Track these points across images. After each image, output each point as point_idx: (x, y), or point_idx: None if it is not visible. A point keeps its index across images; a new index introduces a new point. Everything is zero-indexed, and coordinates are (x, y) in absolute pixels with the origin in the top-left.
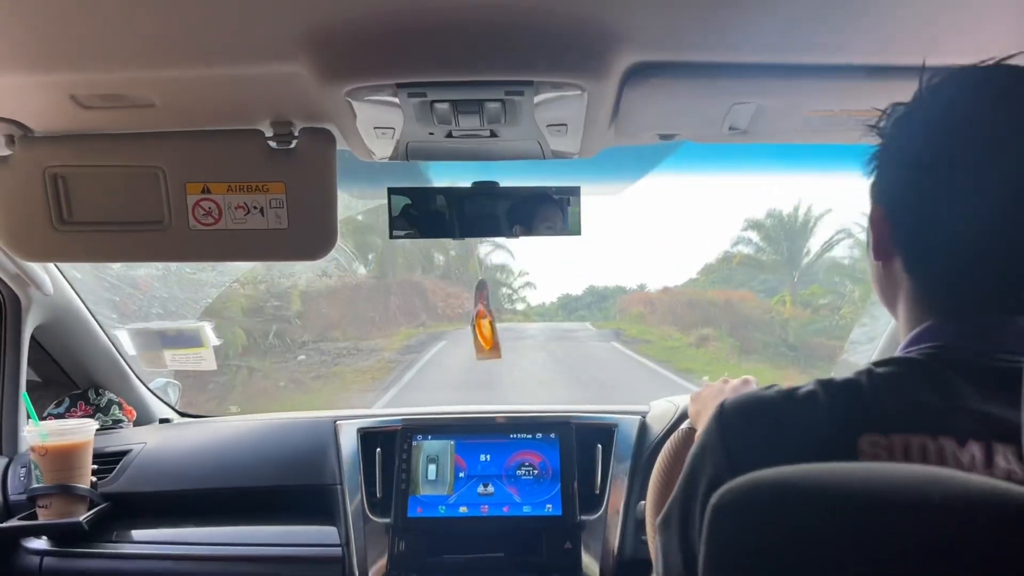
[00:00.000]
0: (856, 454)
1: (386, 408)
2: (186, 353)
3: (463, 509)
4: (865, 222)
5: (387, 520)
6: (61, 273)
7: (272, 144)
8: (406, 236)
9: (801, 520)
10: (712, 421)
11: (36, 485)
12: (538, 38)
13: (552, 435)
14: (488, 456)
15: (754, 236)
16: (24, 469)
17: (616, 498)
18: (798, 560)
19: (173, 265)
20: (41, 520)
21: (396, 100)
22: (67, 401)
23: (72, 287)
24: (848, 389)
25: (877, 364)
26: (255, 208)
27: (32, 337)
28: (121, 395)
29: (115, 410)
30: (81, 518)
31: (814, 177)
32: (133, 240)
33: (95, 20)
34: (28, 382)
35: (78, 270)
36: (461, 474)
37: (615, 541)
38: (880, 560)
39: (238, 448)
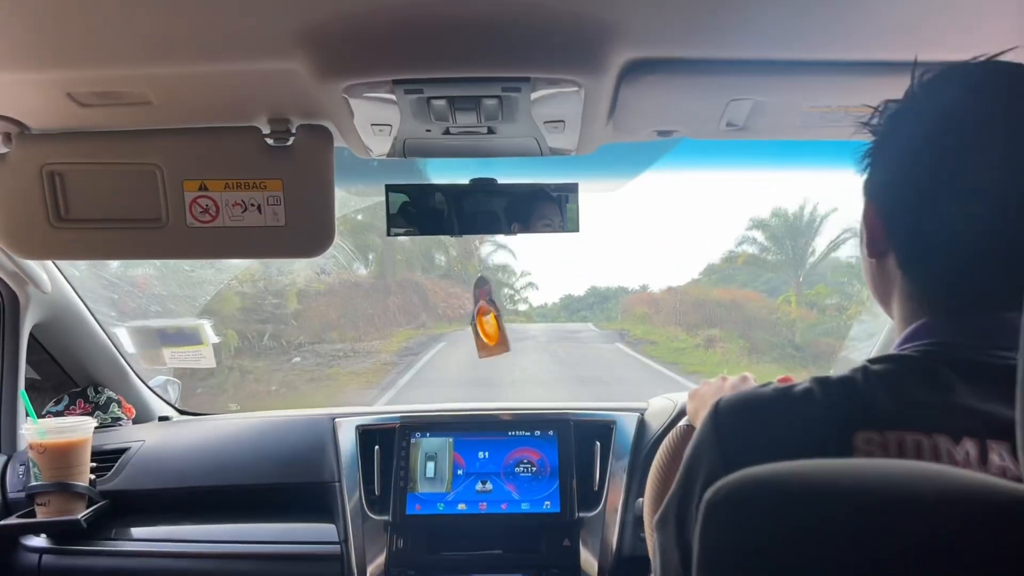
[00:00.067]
0: (851, 451)
1: (385, 406)
2: (185, 351)
3: (461, 506)
4: None
5: (385, 517)
6: (60, 271)
7: (269, 141)
8: (404, 233)
9: (794, 517)
10: (708, 419)
11: (34, 483)
12: (535, 35)
13: (550, 432)
14: (486, 453)
15: (759, 235)
16: (23, 467)
17: (614, 495)
18: (791, 557)
19: (171, 262)
20: (39, 518)
21: (393, 97)
22: (66, 399)
23: (71, 285)
24: (844, 386)
25: (873, 361)
26: (252, 205)
27: (31, 335)
28: (120, 393)
29: (114, 408)
30: (79, 516)
31: (813, 174)
32: (130, 237)
33: (91, 17)
34: (28, 380)
35: (76, 268)
36: (459, 471)
37: (613, 538)
38: (873, 557)
39: (237, 446)
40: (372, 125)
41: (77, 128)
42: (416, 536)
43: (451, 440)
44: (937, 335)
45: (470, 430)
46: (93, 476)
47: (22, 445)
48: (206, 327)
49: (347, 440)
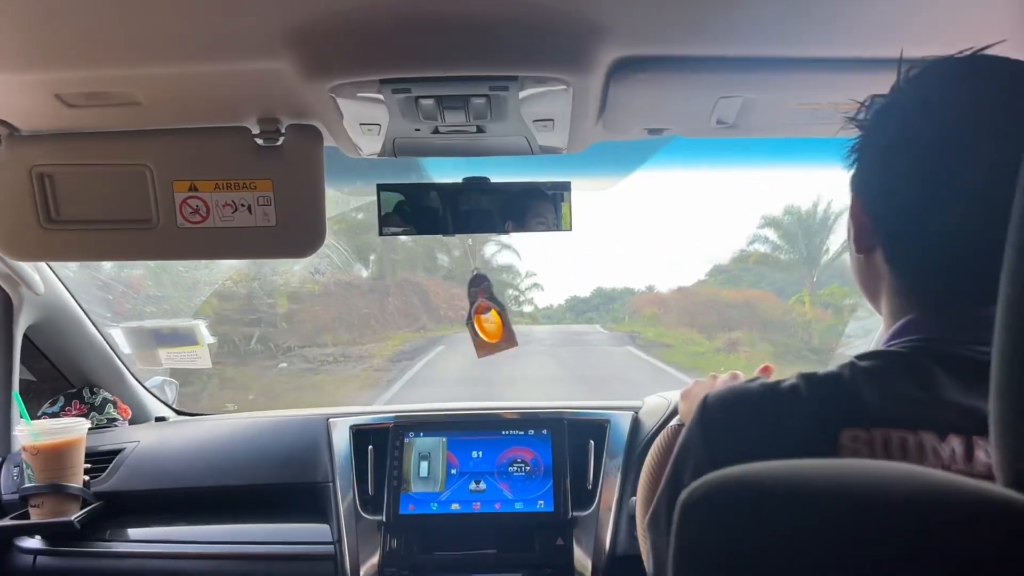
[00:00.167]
0: (837, 448)
1: (379, 405)
2: (181, 351)
3: (455, 506)
4: None
5: (379, 517)
6: (53, 272)
7: (259, 141)
8: (396, 233)
9: (768, 518)
10: (696, 414)
11: (28, 484)
12: (521, 33)
13: (544, 431)
14: (480, 453)
15: (771, 234)
16: (17, 468)
17: (608, 494)
18: (766, 558)
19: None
20: (33, 519)
21: (380, 96)
22: (61, 400)
23: (65, 286)
24: (830, 383)
25: (860, 357)
26: (243, 206)
27: (26, 336)
28: (116, 394)
29: (110, 409)
30: (73, 517)
31: (807, 171)
32: (121, 238)
33: (78, 18)
34: (24, 381)
35: (69, 269)
36: (453, 471)
37: (607, 537)
38: (847, 558)
39: (231, 446)
40: (361, 124)
41: (66, 129)
42: (410, 536)
43: (445, 440)
44: (924, 331)
45: (464, 429)
46: (87, 477)
47: (16, 447)
48: (201, 327)
49: (341, 440)
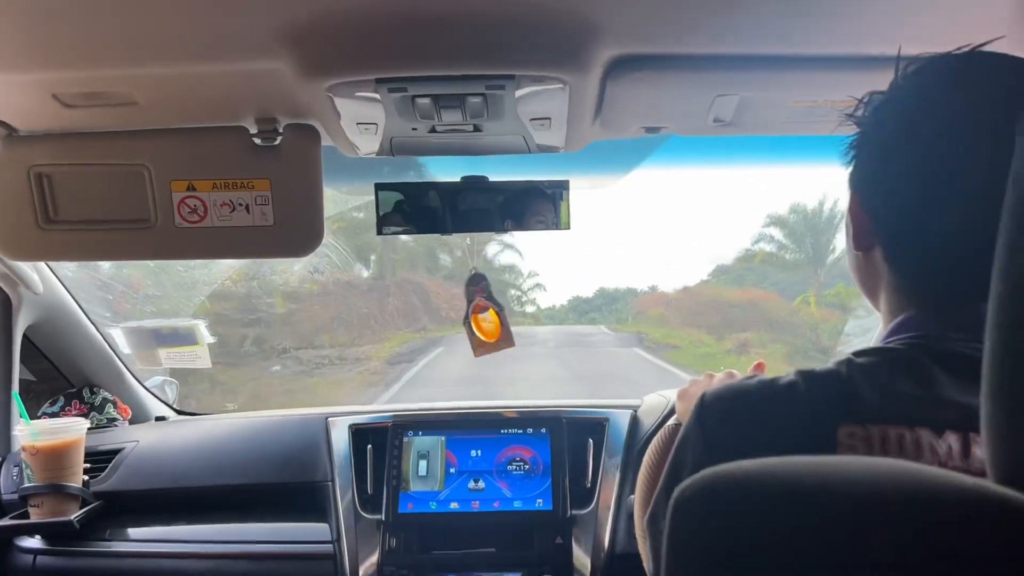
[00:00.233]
0: (834, 445)
1: (378, 404)
2: (181, 351)
3: (454, 505)
4: None
5: (378, 516)
6: (53, 272)
7: (257, 141)
8: (396, 232)
9: (758, 516)
10: (694, 412)
11: (27, 484)
12: (517, 32)
13: (543, 430)
14: (479, 452)
15: (776, 233)
16: (17, 468)
17: (607, 492)
18: (756, 555)
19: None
20: (33, 519)
21: (377, 96)
22: (61, 400)
23: (64, 286)
24: (828, 379)
25: (858, 354)
26: (240, 205)
27: (25, 336)
28: (116, 394)
29: (110, 408)
30: (72, 517)
31: (804, 169)
32: (119, 238)
33: (74, 18)
34: (24, 381)
35: (68, 269)
36: (452, 470)
37: (606, 535)
38: (836, 555)
39: (230, 445)
40: (358, 124)
41: (64, 129)
42: (409, 535)
43: (443, 439)
44: (922, 328)
45: (462, 428)
46: (87, 477)
47: (16, 447)
48: (201, 327)
49: (340, 439)
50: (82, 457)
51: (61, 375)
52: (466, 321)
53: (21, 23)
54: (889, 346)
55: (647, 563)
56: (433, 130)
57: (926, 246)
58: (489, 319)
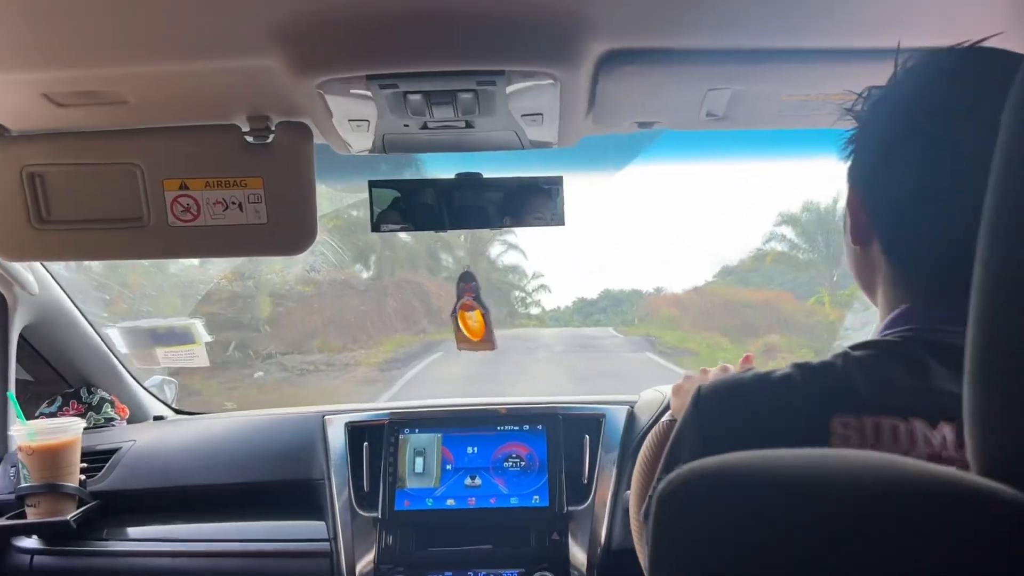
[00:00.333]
0: (828, 435)
1: (374, 403)
2: (178, 350)
3: (450, 502)
4: None
5: (375, 514)
6: (48, 272)
7: (249, 139)
8: (392, 229)
9: (740, 510)
10: (690, 406)
11: (24, 484)
12: (507, 27)
13: (539, 427)
14: (475, 448)
15: (788, 232)
16: (13, 468)
17: (604, 488)
18: (737, 550)
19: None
20: (30, 519)
21: (368, 92)
22: (59, 400)
23: (60, 286)
24: (823, 371)
25: (854, 347)
26: (233, 203)
27: (22, 337)
28: (114, 393)
29: (107, 408)
30: (69, 516)
31: (798, 164)
32: (113, 238)
33: (64, 17)
34: (22, 382)
35: (64, 269)
36: (448, 467)
37: (603, 531)
38: (817, 549)
39: (227, 444)
40: (350, 121)
41: (56, 129)
42: (405, 532)
43: (439, 436)
44: (918, 320)
45: (458, 425)
46: (83, 477)
47: (12, 447)
48: (198, 326)
49: (336, 437)
50: (78, 457)
51: (58, 375)
52: (453, 314)
53: (10, 22)
54: (885, 338)
55: (643, 558)
56: (425, 126)
57: (924, 239)
58: (475, 318)
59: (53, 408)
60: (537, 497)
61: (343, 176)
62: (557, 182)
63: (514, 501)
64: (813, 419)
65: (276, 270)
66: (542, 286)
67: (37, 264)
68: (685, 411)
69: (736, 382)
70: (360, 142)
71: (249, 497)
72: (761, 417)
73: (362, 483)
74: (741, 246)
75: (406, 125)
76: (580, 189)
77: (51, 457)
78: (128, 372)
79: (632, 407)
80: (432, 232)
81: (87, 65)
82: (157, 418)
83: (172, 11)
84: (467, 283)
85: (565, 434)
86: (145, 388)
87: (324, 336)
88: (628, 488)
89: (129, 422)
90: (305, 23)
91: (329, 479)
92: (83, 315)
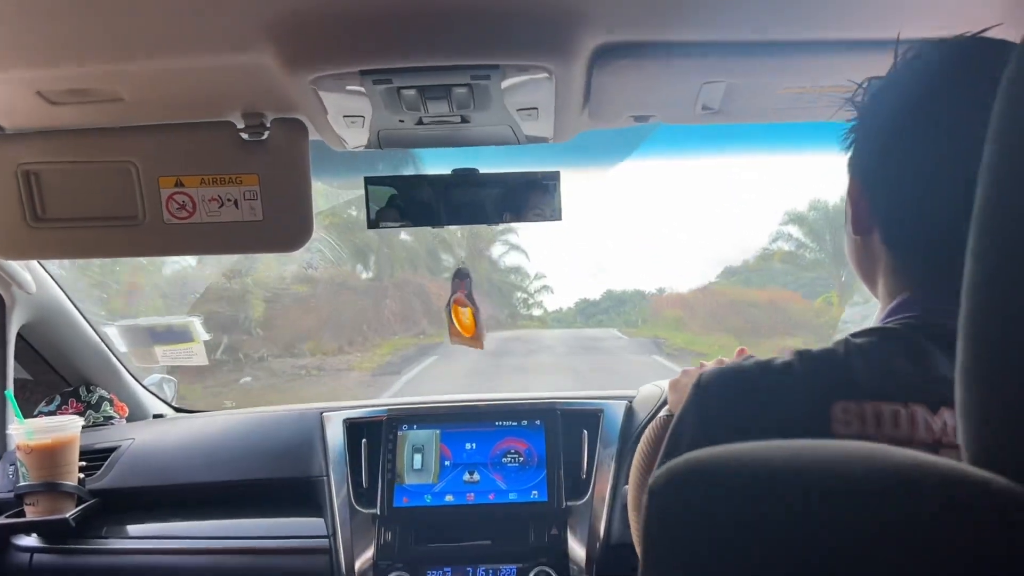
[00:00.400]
0: (829, 422)
1: (373, 399)
2: (176, 348)
3: (449, 498)
4: None
5: (373, 510)
6: (46, 271)
7: (244, 136)
8: (389, 226)
9: (728, 503)
10: (690, 396)
11: (22, 483)
12: (501, 21)
13: (537, 422)
14: (473, 444)
15: (795, 231)
16: (12, 467)
17: (602, 483)
18: (728, 543)
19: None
20: (29, 517)
21: (362, 88)
22: (58, 399)
23: (58, 284)
24: (824, 359)
25: (856, 335)
26: (229, 200)
27: (20, 336)
28: (113, 391)
29: (106, 407)
30: (68, 515)
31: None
32: (108, 235)
33: (57, 15)
34: (20, 380)
35: (61, 267)
36: (447, 463)
37: (601, 526)
38: (807, 541)
39: (225, 442)
40: (344, 117)
41: (51, 127)
42: (404, 528)
43: (438, 432)
44: (919, 308)
45: (457, 421)
46: (82, 475)
47: (11, 446)
48: (196, 324)
49: (335, 434)
50: (77, 455)
51: (57, 374)
52: (448, 308)
53: (4, 20)
54: (886, 326)
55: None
56: (420, 122)
57: (925, 228)
58: (467, 315)
59: (52, 407)
60: (536, 492)
61: (339, 173)
62: (554, 177)
63: (513, 496)
64: (814, 405)
65: (271, 267)
66: (544, 287)
67: (35, 263)
68: (686, 399)
69: (738, 369)
70: (355, 138)
71: (248, 494)
72: (761, 404)
73: (361, 480)
74: (744, 245)
75: (401, 120)
76: (577, 185)
77: (50, 456)
78: (127, 370)
79: (630, 402)
80: (432, 231)
81: (81, 63)
82: (156, 416)
83: (166, 8)
84: (461, 279)
85: (563, 429)
86: (144, 386)
87: (318, 338)
88: (627, 483)
89: (128, 420)
90: (298, 19)
91: (328, 476)
92: (81, 313)
